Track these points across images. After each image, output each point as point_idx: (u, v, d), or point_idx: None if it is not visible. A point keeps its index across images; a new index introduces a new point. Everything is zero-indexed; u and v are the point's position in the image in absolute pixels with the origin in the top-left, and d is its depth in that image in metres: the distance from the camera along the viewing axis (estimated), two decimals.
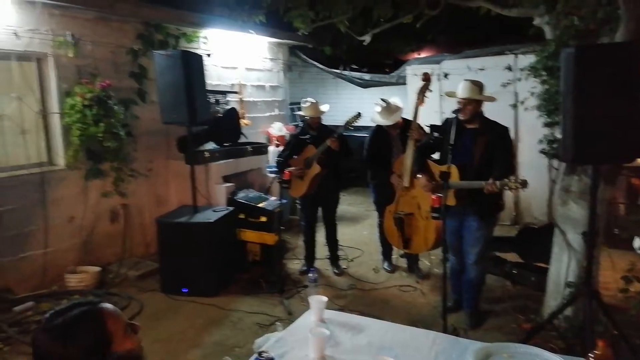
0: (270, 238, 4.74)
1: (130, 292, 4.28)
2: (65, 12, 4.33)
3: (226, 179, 5.43)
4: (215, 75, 6.04)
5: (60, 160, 4.50)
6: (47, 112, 4.45)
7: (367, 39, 6.70)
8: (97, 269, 4.45)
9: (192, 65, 4.34)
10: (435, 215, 3.16)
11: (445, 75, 6.37)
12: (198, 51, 5.23)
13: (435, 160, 3.70)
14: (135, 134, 4.86)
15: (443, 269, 3.11)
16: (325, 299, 2.26)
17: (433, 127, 3.82)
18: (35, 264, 4.25)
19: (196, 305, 4.06)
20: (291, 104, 8.10)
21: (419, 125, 3.96)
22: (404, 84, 7.12)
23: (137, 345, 1.27)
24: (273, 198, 5.27)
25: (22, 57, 4.26)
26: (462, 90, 3.32)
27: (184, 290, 4.24)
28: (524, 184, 3.00)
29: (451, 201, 3.29)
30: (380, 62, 8.24)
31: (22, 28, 4.09)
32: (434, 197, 3.14)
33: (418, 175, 3.70)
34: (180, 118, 4.34)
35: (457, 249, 3.58)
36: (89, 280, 4.31)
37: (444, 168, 3.21)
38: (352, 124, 4.38)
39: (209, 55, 5.81)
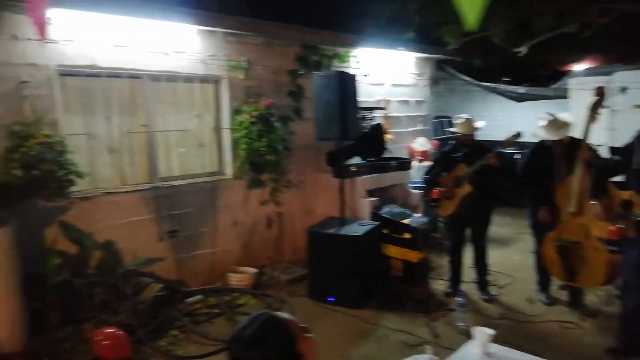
0: (414, 255, 4.71)
1: (281, 295, 4.59)
2: (240, 39, 4.87)
3: (370, 193, 5.54)
4: (364, 91, 6.21)
5: (229, 170, 5.05)
6: (219, 128, 5.04)
7: (523, 50, 6.30)
8: (254, 270, 4.86)
9: (347, 84, 4.55)
10: (613, 248, 2.82)
11: (623, 90, 5.60)
12: (349, 70, 5.45)
13: (617, 185, 3.28)
14: (290, 148, 5.24)
15: (618, 307, 2.75)
16: (491, 331, 2.17)
17: (613, 150, 3.42)
18: (204, 261, 4.82)
19: (341, 315, 4.20)
20: (436, 117, 7.95)
21: (589, 145, 3.59)
22: (564, 97, 6.49)
23: (313, 344, 1.38)
24: (417, 215, 5.22)
25: (203, 79, 4.89)
26: None
27: (330, 299, 4.40)
28: None
29: (631, 232, 2.90)
30: (535, 74, 7.63)
31: (204, 54, 4.70)
32: (611, 227, 2.81)
33: (593, 202, 3.32)
34: (333, 134, 4.56)
35: (638, 287, 3.13)
36: (247, 280, 4.73)
37: (626, 195, 2.85)
38: (512, 144, 4.14)
39: (366, 75, 6.02)
